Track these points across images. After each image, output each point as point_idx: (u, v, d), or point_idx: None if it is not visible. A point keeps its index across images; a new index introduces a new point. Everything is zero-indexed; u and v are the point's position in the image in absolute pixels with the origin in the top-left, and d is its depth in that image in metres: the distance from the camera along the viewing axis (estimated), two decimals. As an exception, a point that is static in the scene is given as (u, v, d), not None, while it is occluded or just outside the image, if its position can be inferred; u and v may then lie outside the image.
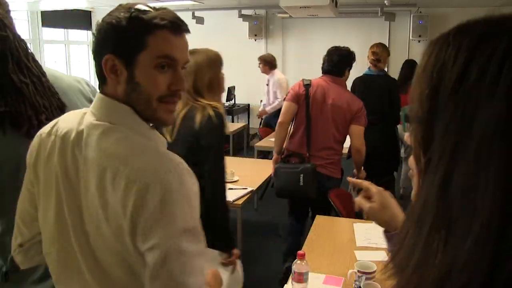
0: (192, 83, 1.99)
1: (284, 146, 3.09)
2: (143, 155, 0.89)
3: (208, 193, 1.84)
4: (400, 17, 6.81)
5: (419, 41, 6.71)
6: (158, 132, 1.01)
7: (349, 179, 1.19)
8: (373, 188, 1.14)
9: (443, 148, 0.46)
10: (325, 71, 3.13)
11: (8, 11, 1.24)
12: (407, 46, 6.88)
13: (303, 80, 3.10)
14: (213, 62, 2.06)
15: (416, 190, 0.54)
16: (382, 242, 2.19)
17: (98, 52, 0.93)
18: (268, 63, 5.96)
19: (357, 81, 3.84)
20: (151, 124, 0.98)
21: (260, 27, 7.48)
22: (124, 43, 0.90)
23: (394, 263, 0.51)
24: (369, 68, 3.85)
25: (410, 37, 6.75)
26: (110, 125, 0.92)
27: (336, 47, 3.17)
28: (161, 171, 0.86)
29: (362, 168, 3.12)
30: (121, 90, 0.93)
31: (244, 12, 7.36)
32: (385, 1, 5.91)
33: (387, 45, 6.94)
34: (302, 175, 2.85)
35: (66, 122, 0.98)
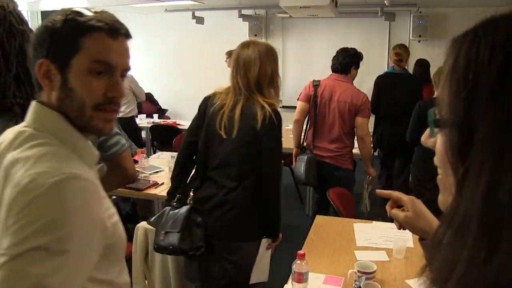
0: (255, 75, 1.98)
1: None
2: (44, 160, 0.82)
3: (265, 189, 1.97)
4: (400, 17, 6.81)
5: (419, 41, 6.71)
6: (90, 143, 0.96)
7: (378, 191, 1.16)
8: (404, 197, 1.08)
9: (486, 154, 0.43)
10: (333, 70, 3.44)
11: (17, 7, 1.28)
12: (407, 46, 6.87)
13: (313, 81, 3.45)
14: (274, 54, 2.12)
15: (446, 197, 0.51)
16: (382, 242, 2.20)
17: (34, 56, 0.89)
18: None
19: (381, 79, 4.24)
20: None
21: (260, 27, 7.47)
22: (58, 46, 0.87)
23: (432, 276, 0.49)
24: (392, 67, 4.32)
25: (410, 37, 6.74)
26: (34, 132, 0.88)
27: (344, 48, 3.50)
28: (48, 176, 0.79)
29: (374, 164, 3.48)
30: (55, 96, 0.89)
31: (244, 12, 7.36)
32: (385, 1, 5.91)
33: (387, 45, 6.96)
34: (302, 164, 3.22)
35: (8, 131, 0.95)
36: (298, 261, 1.69)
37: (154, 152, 5.74)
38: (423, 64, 4.98)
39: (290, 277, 1.75)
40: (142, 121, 6.10)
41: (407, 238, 2.22)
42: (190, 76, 8.01)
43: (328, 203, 2.81)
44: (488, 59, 0.44)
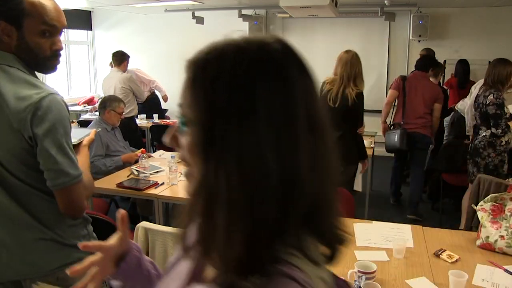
0: (349, 71, 3.24)
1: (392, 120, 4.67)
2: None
3: (348, 140, 3.21)
4: (400, 17, 6.81)
5: (419, 41, 6.71)
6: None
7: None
8: None
9: (223, 150, 0.55)
10: (416, 68, 4.58)
11: None
12: (407, 46, 6.88)
13: (400, 76, 4.61)
14: (359, 59, 3.31)
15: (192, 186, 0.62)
16: (382, 242, 2.20)
17: None
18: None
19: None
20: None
21: (260, 27, 7.47)
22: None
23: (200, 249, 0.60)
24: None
25: (410, 37, 6.74)
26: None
27: (424, 55, 5.06)
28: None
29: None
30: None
31: (244, 12, 7.36)
32: (385, 1, 5.91)
33: (387, 45, 6.96)
34: (396, 135, 4.35)
35: None
36: (298, 261, 1.69)
37: (154, 152, 5.74)
38: (465, 63, 5.39)
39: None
40: (142, 121, 6.10)
41: (407, 238, 2.22)
42: (190, 76, 8.00)
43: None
44: (216, 74, 0.58)
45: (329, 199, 0.63)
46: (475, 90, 4.10)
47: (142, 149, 3.94)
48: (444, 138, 5.13)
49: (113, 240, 0.86)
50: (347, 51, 3.35)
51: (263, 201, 0.54)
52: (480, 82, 3.85)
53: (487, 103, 3.48)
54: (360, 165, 3.44)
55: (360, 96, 3.24)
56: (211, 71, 0.59)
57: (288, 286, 0.54)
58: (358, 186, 3.47)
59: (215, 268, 0.59)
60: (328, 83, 3.32)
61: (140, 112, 5.91)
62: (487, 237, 2.09)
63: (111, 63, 5.52)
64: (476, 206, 2.23)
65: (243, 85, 0.56)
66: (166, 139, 0.66)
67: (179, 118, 0.62)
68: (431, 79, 4.71)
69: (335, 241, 0.66)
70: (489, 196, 2.16)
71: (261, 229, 0.54)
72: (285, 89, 0.57)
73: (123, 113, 5.25)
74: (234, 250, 0.54)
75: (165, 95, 6.66)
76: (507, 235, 2.05)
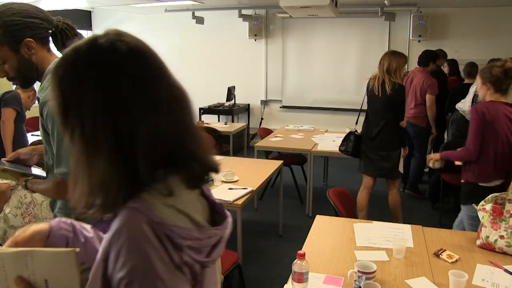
0: (387, 66, 3.65)
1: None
2: None
3: (391, 128, 3.67)
4: (400, 17, 6.81)
5: (419, 41, 6.71)
6: None
7: None
8: None
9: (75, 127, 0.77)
10: (417, 64, 5.05)
11: None
12: (407, 46, 6.88)
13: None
14: (395, 55, 3.71)
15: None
16: (382, 242, 2.20)
17: None
18: None
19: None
20: None
21: (260, 27, 7.47)
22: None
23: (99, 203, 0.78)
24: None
25: (410, 37, 6.74)
26: None
27: (426, 50, 5.19)
28: None
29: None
30: None
31: (244, 12, 7.36)
32: (385, 1, 5.91)
33: (387, 45, 6.96)
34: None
35: None
36: (298, 261, 1.69)
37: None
38: (454, 62, 5.93)
39: (290, 277, 1.75)
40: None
41: (407, 238, 2.22)
42: (190, 76, 8.01)
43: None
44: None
45: (187, 149, 0.80)
46: (473, 89, 4.18)
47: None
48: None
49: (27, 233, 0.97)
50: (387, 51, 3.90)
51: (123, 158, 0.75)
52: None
53: None
54: (402, 151, 3.78)
55: (396, 87, 3.59)
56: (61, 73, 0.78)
57: (128, 213, 0.74)
58: (400, 168, 3.87)
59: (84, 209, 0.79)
60: (372, 79, 3.78)
61: None
62: (487, 237, 2.10)
63: None
64: (477, 206, 2.23)
65: (79, 79, 0.76)
66: None
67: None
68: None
69: (197, 178, 0.84)
70: (489, 196, 2.16)
71: (121, 179, 0.75)
72: (111, 77, 0.75)
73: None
74: (97, 198, 0.76)
75: None
76: (506, 235, 2.05)
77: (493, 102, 2.66)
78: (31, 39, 1.45)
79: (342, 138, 4.01)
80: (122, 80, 0.75)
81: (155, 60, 0.82)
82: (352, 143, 3.87)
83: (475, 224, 2.46)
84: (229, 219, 0.90)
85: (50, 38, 1.54)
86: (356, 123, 3.98)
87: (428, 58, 4.98)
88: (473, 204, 2.29)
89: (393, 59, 3.65)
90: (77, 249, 0.88)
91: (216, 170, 0.86)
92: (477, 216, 2.32)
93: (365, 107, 3.88)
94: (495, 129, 2.60)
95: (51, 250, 0.92)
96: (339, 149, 4.00)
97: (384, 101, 3.61)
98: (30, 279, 0.91)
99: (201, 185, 0.87)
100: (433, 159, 3.02)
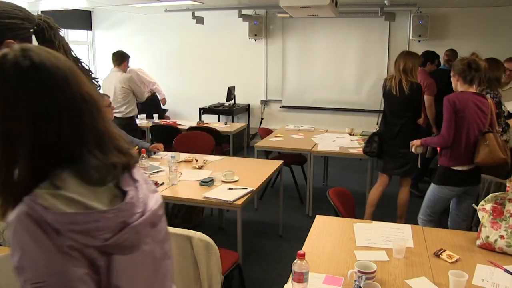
0: (403, 67, 3.69)
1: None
2: None
3: (410, 127, 3.75)
4: (400, 17, 6.81)
5: (419, 41, 6.71)
6: None
7: None
8: None
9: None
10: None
11: None
12: (407, 46, 6.87)
13: None
14: (413, 56, 3.78)
15: None
16: (382, 242, 2.20)
17: None
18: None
19: (436, 72, 5.18)
20: None
21: (260, 27, 7.47)
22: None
23: None
24: (443, 65, 5.45)
25: (410, 37, 6.74)
26: None
27: (425, 50, 5.26)
28: None
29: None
30: None
31: (244, 12, 7.36)
32: (385, 1, 5.91)
33: (387, 45, 6.96)
34: None
35: None
36: (298, 261, 1.69)
37: (154, 153, 5.73)
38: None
39: (290, 277, 1.75)
40: (142, 121, 6.10)
41: (407, 238, 2.22)
42: (190, 76, 8.01)
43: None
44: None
45: (86, 150, 0.89)
46: None
47: (142, 149, 3.94)
48: None
49: None
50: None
51: (21, 158, 0.84)
52: None
53: None
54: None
55: (414, 87, 3.70)
56: None
57: (17, 208, 0.83)
58: (418, 164, 3.99)
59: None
60: (388, 79, 3.85)
61: (140, 112, 5.92)
62: (487, 236, 2.10)
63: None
64: (477, 206, 2.23)
65: None
66: None
67: None
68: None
69: (92, 175, 0.89)
70: (489, 196, 2.17)
71: (19, 178, 0.85)
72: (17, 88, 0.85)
73: (123, 113, 5.28)
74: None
75: (164, 98, 6.67)
76: (506, 234, 2.05)
77: (462, 92, 2.92)
78: (11, 40, 1.43)
79: (366, 140, 4.06)
80: (21, 92, 0.84)
81: (58, 72, 0.88)
82: (376, 144, 3.92)
83: (432, 202, 3.01)
84: (129, 201, 0.93)
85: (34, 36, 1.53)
86: (377, 124, 4.05)
87: (426, 58, 5.02)
88: (473, 204, 2.32)
89: (409, 59, 3.73)
90: None
91: (115, 168, 0.92)
92: (440, 196, 2.94)
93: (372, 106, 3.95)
94: (465, 117, 2.84)
95: None
96: (364, 151, 4.03)
97: (402, 101, 3.71)
98: None
99: (98, 181, 0.90)
100: (415, 145, 3.28)
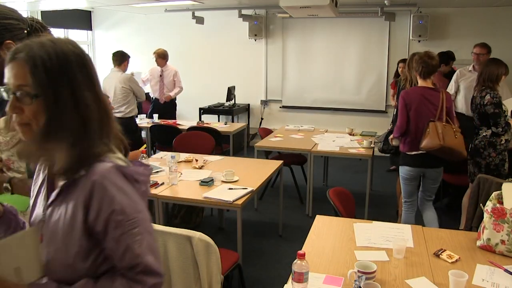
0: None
1: None
2: None
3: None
4: (400, 17, 6.81)
5: (419, 41, 6.71)
6: None
7: None
8: None
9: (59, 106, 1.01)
10: None
11: None
12: (407, 46, 6.88)
13: None
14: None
15: None
16: (382, 242, 2.20)
17: None
18: (164, 57, 6.35)
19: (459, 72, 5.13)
20: None
21: (260, 27, 7.47)
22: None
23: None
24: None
25: (410, 37, 6.74)
26: None
27: (439, 52, 5.00)
28: None
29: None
30: None
31: (244, 12, 7.36)
32: (385, 1, 5.91)
33: (387, 45, 6.96)
34: None
35: None
36: (298, 261, 1.69)
37: (154, 152, 5.74)
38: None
39: (290, 277, 1.75)
40: (142, 121, 6.10)
41: (407, 238, 2.22)
42: (190, 76, 8.01)
43: None
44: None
45: (112, 128, 1.10)
46: (455, 84, 4.86)
47: (143, 149, 3.93)
48: None
49: None
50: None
51: (87, 134, 1.01)
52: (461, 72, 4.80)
53: (485, 103, 3.48)
54: None
55: None
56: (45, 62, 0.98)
57: (99, 166, 1.01)
58: None
59: (59, 172, 1.02)
60: (403, 80, 3.95)
61: (159, 112, 6.19)
62: (489, 239, 2.08)
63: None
64: (477, 206, 2.22)
65: (68, 73, 1.00)
66: (8, 109, 0.99)
67: (22, 94, 0.98)
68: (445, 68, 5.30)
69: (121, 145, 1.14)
70: (493, 194, 2.15)
71: (87, 145, 1.02)
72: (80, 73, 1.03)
73: (123, 113, 5.28)
74: (71, 160, 1.00)
75: (169, 95, 6.55)
76: (508, 240, 2.04)
77: (413, 88, 3.43)
78: (10, 41, 1.43)
79: (383, 139, 4.07)
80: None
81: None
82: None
83: (403, 186, 3.47)
84: (150, 168, 1.17)
85: None
86: (390, 123, 4.14)
87: (440, 60, 5.01)
88: (481, 204, 2.36)
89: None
90: (37, 227, 1.05)
91: (126, 146, 1.16)
92: (404, 177, 3.40)
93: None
94: (414, 109, 3.26)
95: (14, 236, 0.96)
96: (381, 149, 4.05)
97: None
98: (5, 273, 0.93)
99: (125, 154, 1.15)
100: (391, 138, 3.57)
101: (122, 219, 0.99)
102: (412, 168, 3.36)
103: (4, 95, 1.01)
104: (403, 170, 3.42)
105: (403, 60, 5.35)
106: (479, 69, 3.80)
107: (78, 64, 1.02)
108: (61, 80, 0.99)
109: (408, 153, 3.36)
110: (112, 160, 1.05)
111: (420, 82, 3.33)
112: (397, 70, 5.79)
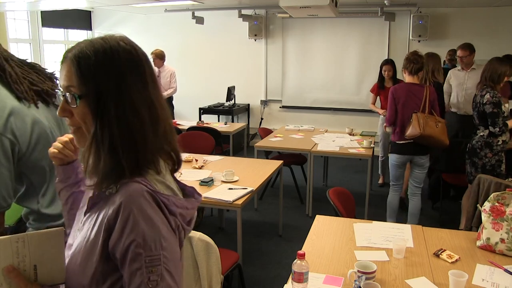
0: (430, 68, 4.23)
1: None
2: None
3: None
4: (400, 17, 6.81)
5: (419, 41, 6.71)
6: None
7: None
8: None
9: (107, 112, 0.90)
10: None
11: None
12: (407, 46, 6.88)
13: None
14: (431, 57, 4.27)
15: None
16: (382, 242, 2.20)
17: None
18: (162, 58, 6.52)
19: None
20: None
21: (260, 27, 7.47)
22: None
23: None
24: (446, 64, 5.84)
25: (410, 37, 6.74)
26: None
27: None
28: None
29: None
30: None
31: (244, 12, 7.36)
32: (385, 1, 5.91)
33: (387, 45, 6.96)
34: None
35: None
36: (298, 261, 1.69)
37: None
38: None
39: (290, 277, 1.75)
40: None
41: (407, 238, 2.22)
42: (190, 76, 8.01)
43: None
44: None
45: (167, 140, 1.00)
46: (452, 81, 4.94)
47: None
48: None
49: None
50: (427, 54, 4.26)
51: (130, 143, 0.90)
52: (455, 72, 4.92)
53: (484, 102, 3.47)
54: None
55: (435, 86, 4.17)
56: (93, 62, 0.89)
57: (131, 186, 0.88)
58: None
59: (97, 187, 0.92)
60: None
61: None
62: (488, 239, 2.09)
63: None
64: (477, 206, 2.22)
65: (114, 72, 0.90)
66: (58, 112, 0.94)
67: (70, 96, 0.91)
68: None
69: (175, 164, 1.07)
70: (492, 195, 2.15)
71: (127, 159, 0.89)
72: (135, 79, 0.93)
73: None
74: (111, 174, 0.89)
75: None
76: (507, 238, 2.04)
77: (401, 84, 3.83)
78: None
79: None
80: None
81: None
82: None
83: (391, 170, 3.85)
84: (200, 199, 1.08)
85: None
86: None
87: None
88: (478, 205, 2.37)
89: (430, 61, 4.23)
90: (63, 228, 0.96)
91: (180, 161, 1.09)
92: (393, 163, 3.79)
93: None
94: (401, 103, 3.66)
95: (41, 232, 0.93)
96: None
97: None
98: (20, 267, 0.90)
99: (176, 170, 1.08)
100: (385, 126, 3.93)
101: (141, 253, 0.86)
102: (400, 155, 3.76)
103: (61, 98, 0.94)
104: (392, 157, 3.83)
105: (388, 62, 5.25)
106: (484, 67, 3.77)
107: (128, 63, 0.91)
108: (106, 79, 0.88)
109: (397, 142, 3.75)
110: (150, 182, 0.91)
111: (408, 79, 3.69)
112: (380, 72, 5.32)
